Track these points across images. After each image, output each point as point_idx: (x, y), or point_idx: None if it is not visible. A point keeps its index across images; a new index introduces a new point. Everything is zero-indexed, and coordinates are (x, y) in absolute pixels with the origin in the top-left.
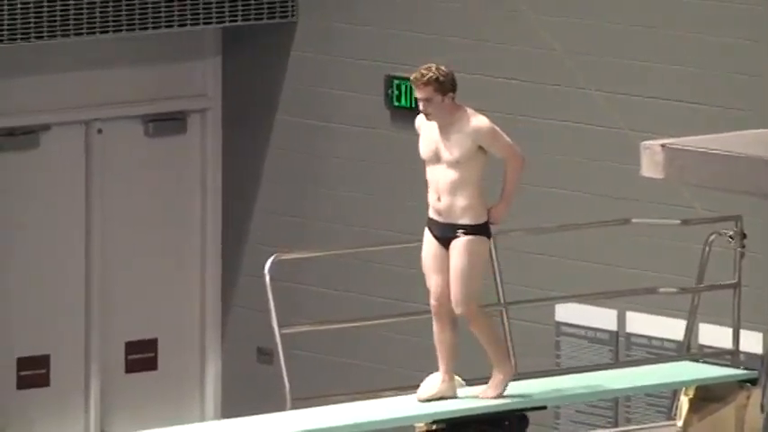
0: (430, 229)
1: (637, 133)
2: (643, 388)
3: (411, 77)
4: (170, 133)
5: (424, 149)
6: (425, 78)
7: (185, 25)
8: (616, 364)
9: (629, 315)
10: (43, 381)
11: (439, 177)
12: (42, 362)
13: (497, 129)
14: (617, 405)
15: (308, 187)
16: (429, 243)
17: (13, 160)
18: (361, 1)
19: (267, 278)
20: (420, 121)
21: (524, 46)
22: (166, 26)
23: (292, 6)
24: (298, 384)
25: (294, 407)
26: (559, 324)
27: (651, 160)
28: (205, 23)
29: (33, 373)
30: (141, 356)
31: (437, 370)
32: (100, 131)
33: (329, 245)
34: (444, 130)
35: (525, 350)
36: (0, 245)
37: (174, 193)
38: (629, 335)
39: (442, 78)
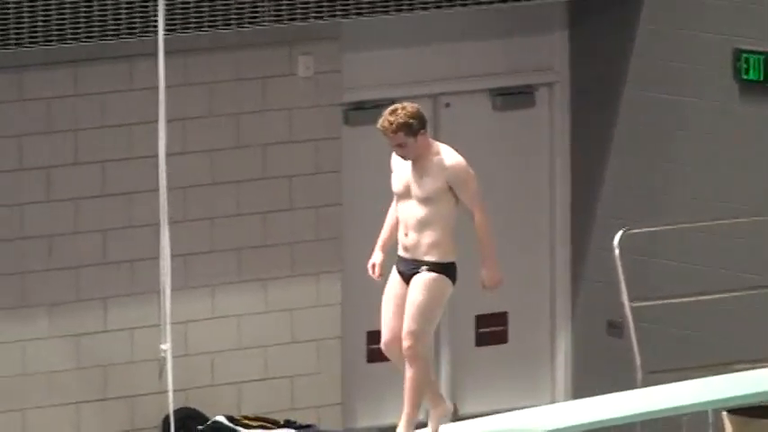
0: (397, 265)
1: None
2: None
3: (378, 125)
4: (518, 107)
5: (396, 184)
6: (394, 126)
7: None
8: None
9: None
10: None
11: (408, 213)
12: None
13: (471, 172)
14: None
15: (657, 161)
16: (393, 280)
17: (362, 134)
18: None
19: (616, 251)
20: (395, 156)
21: None
22: (515, 0)
23: None
24: (648, 357)
25: (645, 380)
26: None
27: None
28: None
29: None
30: (492, 330)
31: None
32: (447, 105)
33: (678, 219)
34: (417, 167)
35: None
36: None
37: (523, 166)
38: None
39: (410, 121)
